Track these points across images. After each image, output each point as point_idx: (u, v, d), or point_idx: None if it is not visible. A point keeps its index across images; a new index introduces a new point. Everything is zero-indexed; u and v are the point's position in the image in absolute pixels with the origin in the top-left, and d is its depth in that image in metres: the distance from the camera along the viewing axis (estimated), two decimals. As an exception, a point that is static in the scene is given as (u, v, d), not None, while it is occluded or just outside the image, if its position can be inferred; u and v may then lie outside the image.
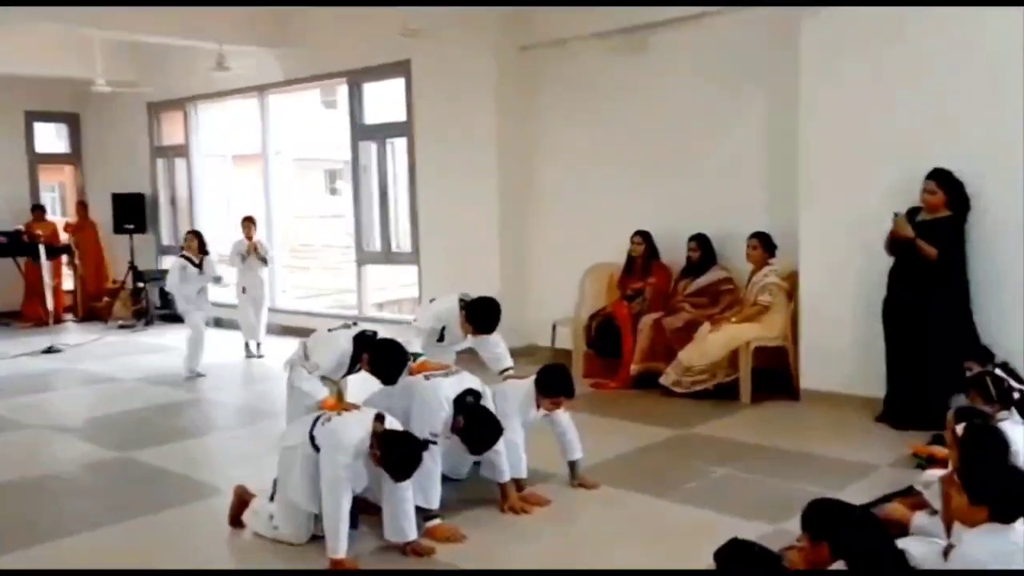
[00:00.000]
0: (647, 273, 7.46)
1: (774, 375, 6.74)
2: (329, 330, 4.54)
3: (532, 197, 8.50)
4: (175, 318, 11.59)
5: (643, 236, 7.47)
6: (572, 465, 4.79)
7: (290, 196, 22.14)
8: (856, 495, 3.98)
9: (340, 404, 4.18)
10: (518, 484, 4.52)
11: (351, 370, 4.42)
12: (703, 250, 7.17)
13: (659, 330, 7.10)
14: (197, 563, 3.99)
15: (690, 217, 7.29)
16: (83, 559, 4.07)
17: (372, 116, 9.59)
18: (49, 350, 9.61)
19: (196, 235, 8.64)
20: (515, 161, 8.39)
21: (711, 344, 6.68)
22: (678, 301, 7.25)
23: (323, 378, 4.38)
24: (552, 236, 8.41)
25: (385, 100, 9.56)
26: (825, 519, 2.66)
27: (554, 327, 7.93)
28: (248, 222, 9.43)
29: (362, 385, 4.81)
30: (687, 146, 7.45)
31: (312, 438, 3.86)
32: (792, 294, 6.69)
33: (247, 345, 9.27)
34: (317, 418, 3.95)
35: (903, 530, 3.51)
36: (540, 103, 8.36)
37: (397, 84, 9.04)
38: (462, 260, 8.50)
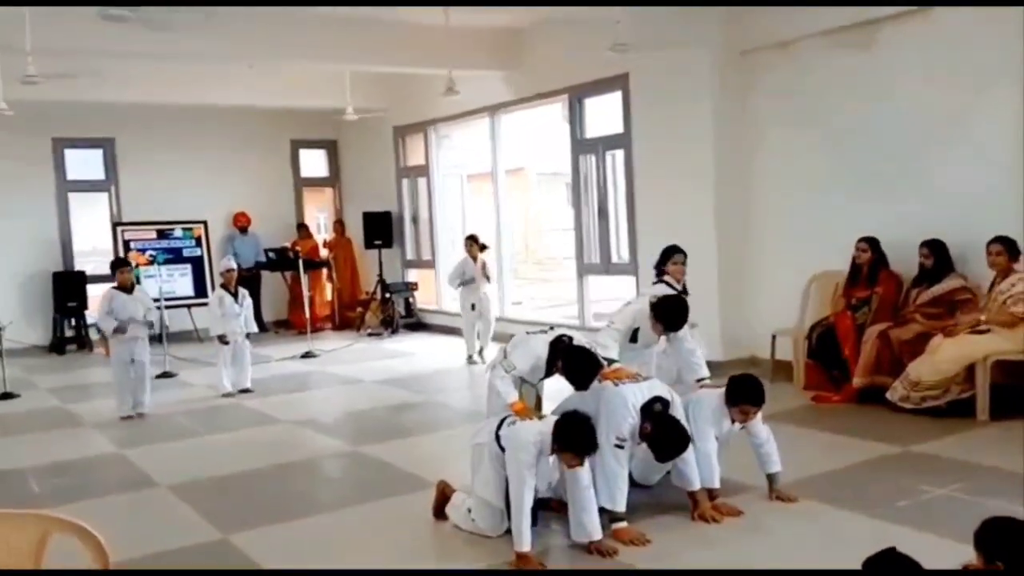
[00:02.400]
0: (873, 282, 7.06)
1: (1018, 392, 6.15)
2: (528, 333, 4.74)
3: (752, 204, 8.30)
4: (419, 326, 12.50)
5: (869, 243, 7.07)
6: (770, 478, 4.67)
7: (534, 210, 23.00)
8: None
9: (527, 410, 4.36)
10: (711, 494, 4.48)
11: (548, 373, 4.60)
12: (937, 257, 6.68)
13: (886, 342, 6.70)
14: (401, 549, 4.33)
15: (922, 223, 6.82)
16: (308, 537, 4.54)
17: (592, 130, 9.78)
18: (307, 355, 10.64)
19: (233, 270, 8.78)
20: (734, 168, 8.25)
21: (944, 358, 6.22)
22: (909, 311, 6.81)
23: (523, 380, 4.59)
24: (773, 244, 8.17)
25: (605, 113, 9.71)
26: (1000, 538, 2.46)
27: (774, 338, 7.69)
28: (472, 241, 9.79)
29: (560, 386, 4.96)
30: (918, 148, 6.99)
31: (498, 438, 4.08)
32: (1041, 303, 6.09)
33: (470, 355, 9.72)
34: (504, 419, 4.16)
35: None
36: (759, 107, 8.17)
37: (615, 97, 9.18)
38: (681, 270, 8.44)
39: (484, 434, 4.27)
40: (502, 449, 4.06)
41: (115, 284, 7.88)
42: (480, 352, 9.72)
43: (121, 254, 12.24)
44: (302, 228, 13.80)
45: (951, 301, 6.63)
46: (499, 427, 4.15)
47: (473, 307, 9.66)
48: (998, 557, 2.45)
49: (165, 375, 9.58)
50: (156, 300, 8.58)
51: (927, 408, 6.26)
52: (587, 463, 4.05)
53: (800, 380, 7.34)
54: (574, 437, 3.92)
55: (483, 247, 9.81)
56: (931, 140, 6.92)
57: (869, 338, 6.79)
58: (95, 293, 12.56)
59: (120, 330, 7.61)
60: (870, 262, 7.08)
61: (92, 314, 12.30)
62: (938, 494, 4.66)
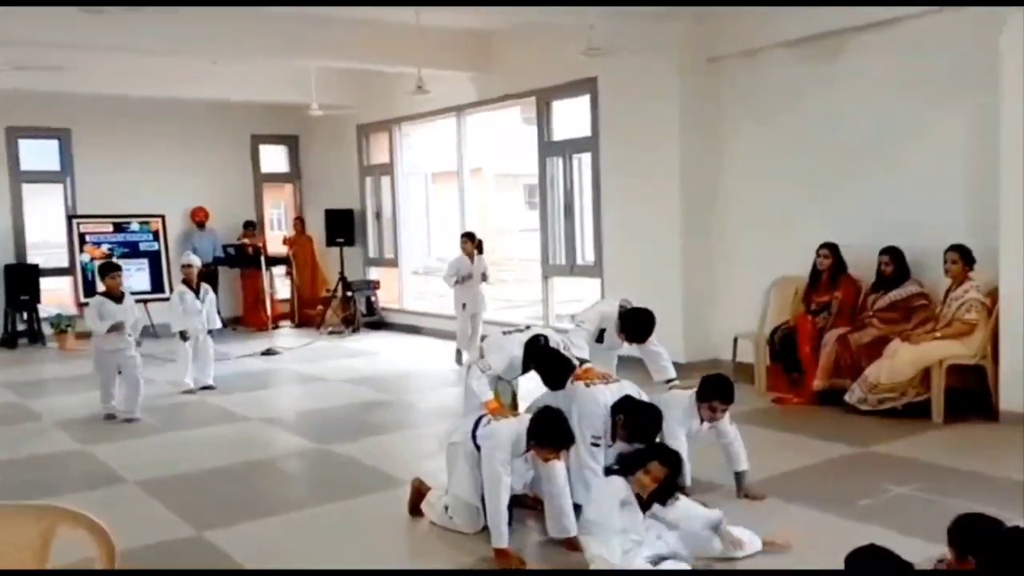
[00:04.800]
0: (834, 287, 7.25)
1: (970, 395, 6.38)
2: (504, 333, 4.81)
3: (716, 209, 8.46)
4: (380, 325, 12.48)
5: (831, 249, 7.26)
6: (738, 476, 4.80)
7: (491, 211, 23.06)
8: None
9: (501, 409, 4.43)
10: (682, 492, 4.58)
11: (524, 371, 4.67)
12: (896, 263, 6.88)
13: (845, 345, 6.89)
14: (379, 546, 4.36)
15: (881, 230, 7.02)
16: (284, 535, 4.55)
17: (560, 132, 9.87)
18: (267, 352, 10.56)
19: (189, 266, 8.66)
20: (699, 173, 8.40)
21: (901, 361, 6.43)
22: (867, 316, 7.01)
23: (499, 378, 4.66)
24: (737, 249, 8.34)
25: (573, 117, 9.80)
26: (972, 534, 2.59)
27: (736, 340, 7.85)
28: (467, 239, 9.45)
29: (535, 384, 5.02)
30: (879, 157, 7.20)
31: (474, 437, 4.15)
32: (992, 310, 6.31)
33: (458, 352, 9.57)
34: (480, 418, 4.22)
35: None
36: (726, 115, 8.33)
37: (584, 101, 9.28)
38: (644, 273, 8.58)
39: (459, 433, 4.34)
40: (478, 448, 4.13)
41: (103, 290, 7.40)
42: (458, 353, 9.54)
43: (76, 247, 12.04)
44: (249, 226, 13.46)
45: (908, 307, 6.83)
46: (475, 426, 4.21)
47: (465, 306, 9.36)
48: (970, 552, 2.58)
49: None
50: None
51: (884, 410, 6.45)
52: (563, 460, 4.12)
53: (761, 382, 7.50)
54: (550, 431, 4.00)
55: (479, 245, 9.49)
56: (891, 149, 7.13)
57: (828, 342, 6.97)
58: (48, 287, 12.37)
59: (116, 327, 7.16)
60: (830, 268, 7.26)
61: (45, 307, 12.10)
62: (899, 492, 4.82)
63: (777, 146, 7.92)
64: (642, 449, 3.90)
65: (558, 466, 4.08)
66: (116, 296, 7.29)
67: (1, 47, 7.59)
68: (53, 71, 10.19)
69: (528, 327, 4.87)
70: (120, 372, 7.30)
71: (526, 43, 9.71)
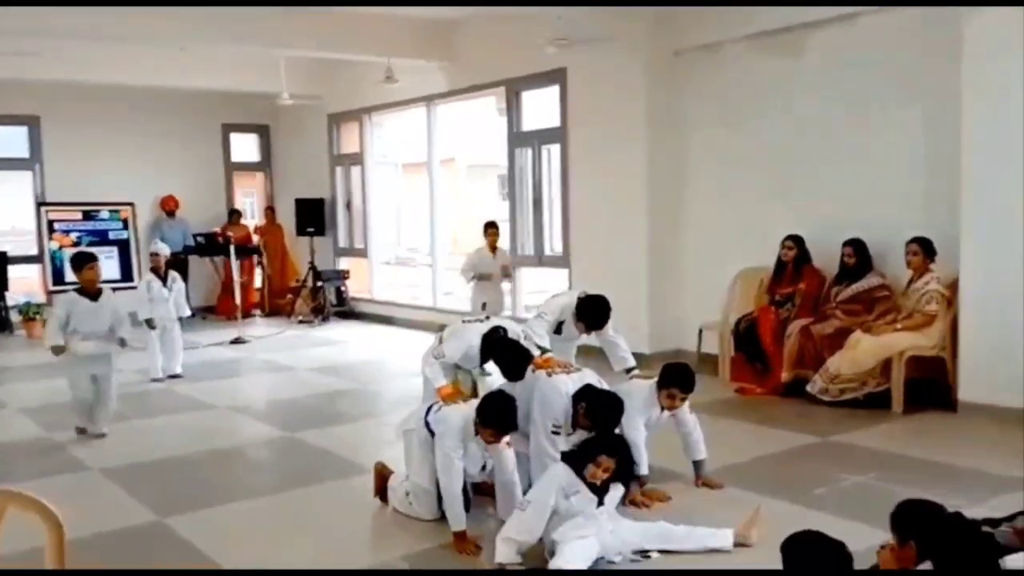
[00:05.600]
0: (798, 278, 7.33)
1: (930, 386, 6.49)
2: (464, 322, 4.84)
3: (682, 201, 8.53)
4: (350, 315, 12.46)
5: (795, 240, 7.34)
6: (696, 465, 4.86)
7: (464, 201, 23.03)
8: (1000, 511, 3.82)
9: (454, 395, 4.46)
10: (639, 480, 4.63)
11: (483, 362, 4.70)
12: (859, 255, 6.96)
13: (808, 336, 6.98)
14: (339, 532, 4.38)
15: (844, 222, 7.12)
16: (246, 521, 4.58)
17: (529, 123, 9.89)
18: (236, 341, 10.53)
19: (156, 255, 8.58)
20: (665, 165, 8.45)
21: (862, 352, 6.52)
22: (830, 308, 7.09)
23: (458, 367, 4.68)
24: (702, 240, 8.42)
25: (542, 107, 9.82)
26: (912, 519, 2.66)
27: (700, 331, 7.94)
28: (492, 229, 8.60)
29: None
30: (842, 149, 7.29)
31: (427, 424, 4.18)
32: (952, 301, 6.42)
33: None
34: (431, 405, 4.26)
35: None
36: (691, 107, 8.39)
37: (553, 91, 9.30)
38: (611, 264, 8.64)
39: (413, 420, 4.39)
40: (431, 434, 4.16)
41: (77, 287, 6.29)
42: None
43: (45, 235, 11.93)
44: (234, 214, 13.59)
45: (870, 298, 6.91)
46: (427, 413, 4.25)
47: (484, 306, 8.20)
48: (911, 537, 2.65)
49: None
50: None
51: (845, 400, 6.55)
52: (510, 447, 4.17)
53: (725, 373, 7.58)
54: (493, 413, 4.04)
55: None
56: (853, 142, 7.21)
57: (792, 333, 7.05)
58: (17, 275, 12.24)
59: (57, 351, 6.14)
60: (794, 259, 7.34)
61: (13, 296, 11.97)
62: (854, 481, 4.91)
63: (742, 139, 7.99)
64: (588, 442, 3.93)
65: (507, 452, 4.13)
66: (92, 293, 6.21)
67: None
68: (21, 57, 10.07)
69: (488, 317, 4.90)
70: (93, 379, 6.25)
71: (494, 33, 9.71)
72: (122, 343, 6.33)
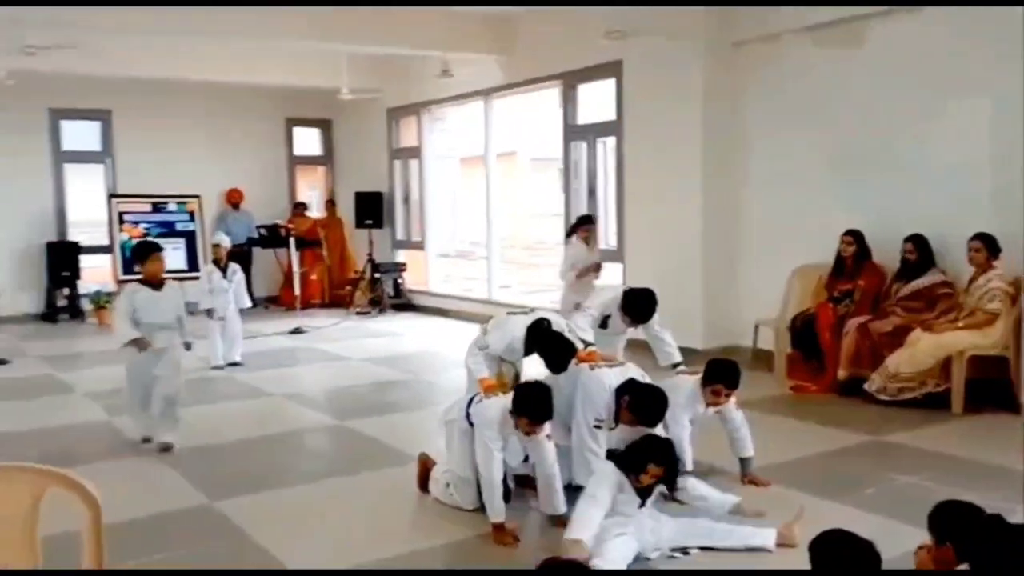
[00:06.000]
0: (857, 274, 7.18)
1: (991, 386, 6.30)
2: (508, 314, 4.85)
3: (739, 195, 8.40)
4: (407, 307, 12.61)
5: (854, 236, 7.18)
6: (743, 462, 4.80)
7: (525, 194, 23.05)
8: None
9: (494, 387, 4.48)
10: (673, 481, 4.58)
11: (526, 353, 4.71)
12: (920, 252, 6.79)
13: (866, 334, 6.82)
14: (381, 520, 4.45)
15: (905, 218, 6.94)
16: (292, 507, 4.67)
17: (584, 116, 9.85)
18: (296, 331, 10.72)
19: (217, 246, 8.85)
20: (722, 158, 8.34)
21: (921, 351, 6.36)
22: (890, 305, 6.93)
23: (502, 359, 4.70)
24: (759, 235, 8.29)
25: (598, 101, 9.78)
26: (949, 520, 2.60)
27: (756, 327, 7.82)
28: (588, 225, 8.10)
29: (541, 369, 5.06)
30: (904, 143, 7.10)
31: (468, 415, 4.21)
32: (1016, 300, 6.22)
33: None
34: (473, 397, 4.29)
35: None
36: (749, 100, 8.26)
37: (609, 84, 9.25)
38: (666, 258, 8.57)
39: (454, 411, 4.42)
40: (471, 425, 4.19)
41: (140, 276, 5.92)
42: None
43: (115, 226, 12.31)
44: (299, 206, 13.82)
45: (931, 296, 6.74)
46: (469, 404, 4.28)
47: (578, 307, 7.59)
48: (948, 538, 2.58)
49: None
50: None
51: (903, 400, 6.39)
52: (550, 439, 4.17)
53: (781, 370, 7.45)
54: (529, 402, 4.03)
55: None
56: (916, 136, 7.02)
57: (849, 330, 6.90)
58: (88, 264, 12.67)
59: (140, 344, 5.66)
60: (854, 255, 7.19)
61: (84, 284, 12.40)
62: (906, 482, 4.80)
63: (801, 132, 7.84)
64: (635, 448, 3.88)
65: (547, 445, 4.13)
66: (155, 283, 5.81)
67: (38, 27, 7.73)
68: (93, 54, 10.42)
69: (532, 309, 4.90)
70: (154, 377, 5.76)
71: (551, 26, 9.70)
72: (188, 347, 6.01)
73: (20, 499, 2.16)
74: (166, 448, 5.67)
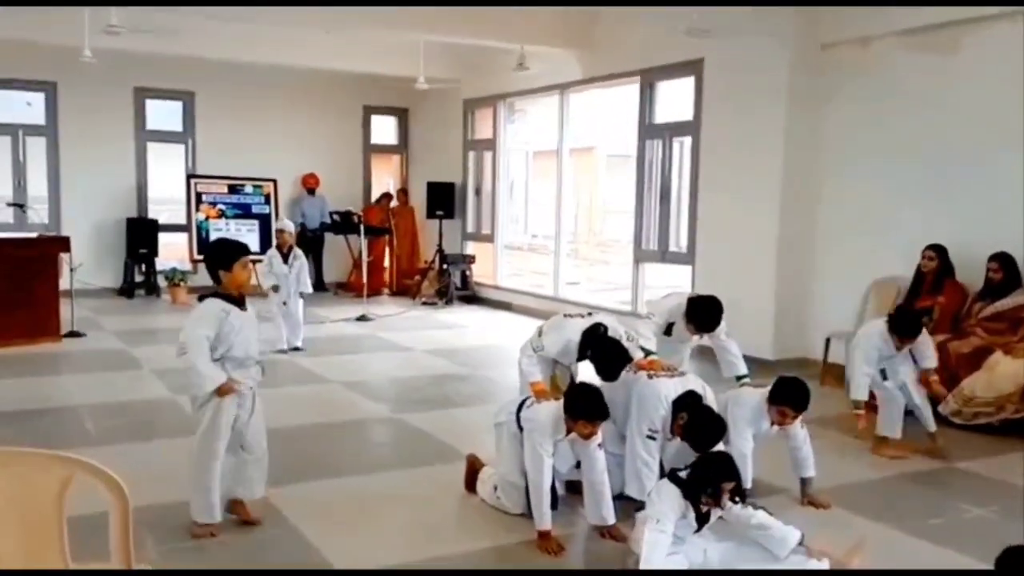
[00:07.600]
0: (937, 291, 6.87)
1: (1077, 417, 5.95)
2: (565, 316, 4.75)
3: (818, 204, 8.13)
4: (474, 299, 12.59)
5: (937, 251, 6.87)
6: (803, 482, 4.63)
7: (600, 191, 22.86)
8: None
9: (546, 392, 4.38)
10: (742, 493, 4.43)
11: (581, 357, 4.61)
12: (1006, 271, 6.47)
13: (944, 354, 6.50)
14: (426, 519, 4.40)
15: (991, 235, 6.62)
16: (339, 498, 4.66)
17: (662, 115, 9.66)
18: (361, 318, 10.80)
19: (281, 231, 8.95)
20: (802, 165, 8.07)
21: (1000, 375, 6.06)
22: (970, 325, 6.62)
23: (556, 362, 4.60)
24: (837, 245, 8.00)
25: (677, 98, 9.57)
26: (1017, 569, 2.40)
27: (828, 341, 7.55)
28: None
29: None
30: (995, 156, 6.76)
31: (518, 418, 4.12)
32: (1109, 327, 5.87)
33: None
34: (524, 400, 4.19)
35: None
36: (834, 105, 7.96)
37: (688, 83, 9.05)
38: (738, 264, 8.34)
39: (504, 413, 4.33)
40: (521, 429, 4.10)
41: (219, 288, 4.05)
42: None
43: (193, 206, 12.58)
44: (384, 197, 13.82)
45: (1015, 317, 6.42)
46: (519, 407, 4.18)
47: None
48: (1015, 586, 2.39)
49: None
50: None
51: (979, 425, 6.10)
52: (602, 451, 4.05)
53: (851, 386, 7.18)
54: (583, 404, 3.91)
55: None
56: (1008, 149, 6.68)
57: (926, 349, 6.61)
58: (166, 241, 12.98)
59: (224, 391, 3.97)
60: (936, 271, 6.88)
61: (162, 262, 12.71)
62: (977, 514, 4.56)
63: (886, 140, 7.53)
64: (703, 469, 3.61)
65: (598, 453, 4.01)
66: (240, 298, 4.06)
67: (123, 8, 7.90)
68: (177, 36, 10.64)
69: (590, 313, 4.79)
70: (233, 425, 4.10)
71: (631, 21, 9.53)
72: (263, 371, 4.24)
73: (48, 486, 2.16)
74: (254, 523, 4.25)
